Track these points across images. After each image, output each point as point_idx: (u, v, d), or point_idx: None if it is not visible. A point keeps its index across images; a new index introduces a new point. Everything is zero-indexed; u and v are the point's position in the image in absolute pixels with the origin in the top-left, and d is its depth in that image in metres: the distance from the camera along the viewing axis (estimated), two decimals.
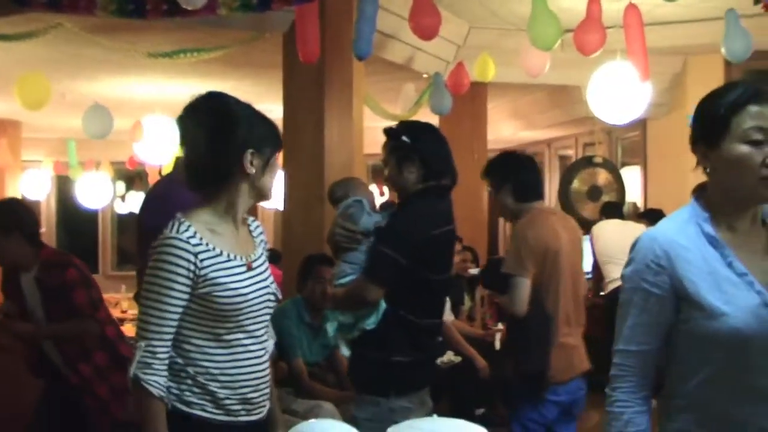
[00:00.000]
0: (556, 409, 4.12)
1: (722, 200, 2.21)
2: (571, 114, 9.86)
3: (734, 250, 2.17)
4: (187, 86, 7.53)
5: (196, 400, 2.53)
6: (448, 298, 5.04)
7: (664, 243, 2.18)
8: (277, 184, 3.12)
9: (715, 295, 2.12)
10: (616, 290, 7.74)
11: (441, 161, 3.60)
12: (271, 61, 6.56)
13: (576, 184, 9.94)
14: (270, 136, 2.64)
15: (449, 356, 6.38)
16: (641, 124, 9.74)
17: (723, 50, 5.79)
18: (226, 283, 2.52)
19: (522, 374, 4.06)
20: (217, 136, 2.56)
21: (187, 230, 2.51)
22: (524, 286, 3.96)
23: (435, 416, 2.73)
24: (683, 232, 2.20)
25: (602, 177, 9.95)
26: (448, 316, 6.09)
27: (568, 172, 10.24)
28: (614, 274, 7.89)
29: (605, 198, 9.71)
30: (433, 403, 3.83)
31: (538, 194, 4.25)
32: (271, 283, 2.67)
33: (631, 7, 5.54)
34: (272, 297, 2.67)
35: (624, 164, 10.82)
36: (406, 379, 3.48)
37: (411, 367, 3.47)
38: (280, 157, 2.75)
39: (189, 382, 2.52)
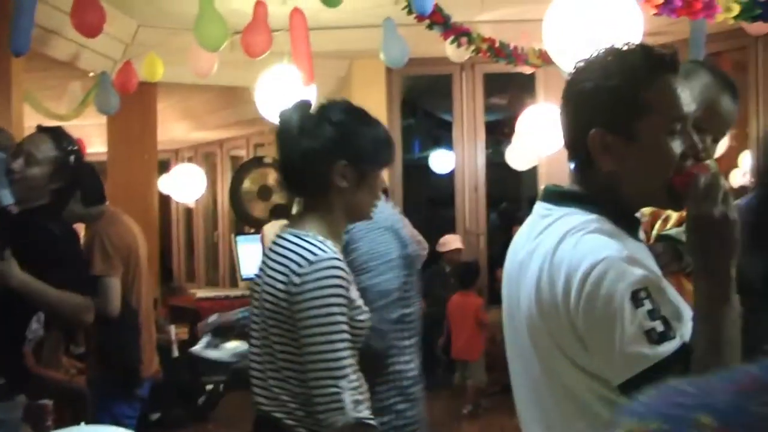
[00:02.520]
0: (141, 404, 4.26)
1: None
2: (242, 115, 9.94)
3: None
4: None
5: None
6: None
7: None
8: None
9: None
10: None
11: None
12: None
13: (247, 184, 10.06)
14: (374, 150, 2.39)
15: None
16: None
17: (382, 56, 6.09)
18: (360, 304, 2.31)
19: (116, 371, 4.12)
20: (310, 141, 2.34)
21: (331, 247, 2.27)
22: (116, 286, 4.05)
23: (82, 424, 2.66)
24: None
25: (272, 177, 10.13)
26: None
27: (239, 172, 10.34)
28: None
29: (276, 197, 9.90)
30: None
31: (104, 197, 4.31)
32: None
33: (297, 12, 5.68)
34: None
35: None
36: None
37: None
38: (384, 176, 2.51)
39: None
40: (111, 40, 7.27)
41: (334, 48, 8.11)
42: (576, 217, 1.68)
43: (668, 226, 2.18)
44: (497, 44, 6.33)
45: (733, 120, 2.25)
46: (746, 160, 8.04)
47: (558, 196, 1.77)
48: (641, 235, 1.84)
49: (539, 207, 1.79)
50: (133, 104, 7.81)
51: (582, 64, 1.74)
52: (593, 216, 1.68)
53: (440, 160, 11.59)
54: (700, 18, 5.00)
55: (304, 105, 2.44)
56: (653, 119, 1.66)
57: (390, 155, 2.45)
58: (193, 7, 5.51)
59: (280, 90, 6.14)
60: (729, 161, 8.44)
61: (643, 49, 1.70)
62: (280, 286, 2.26)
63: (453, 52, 6.65)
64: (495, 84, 9.25)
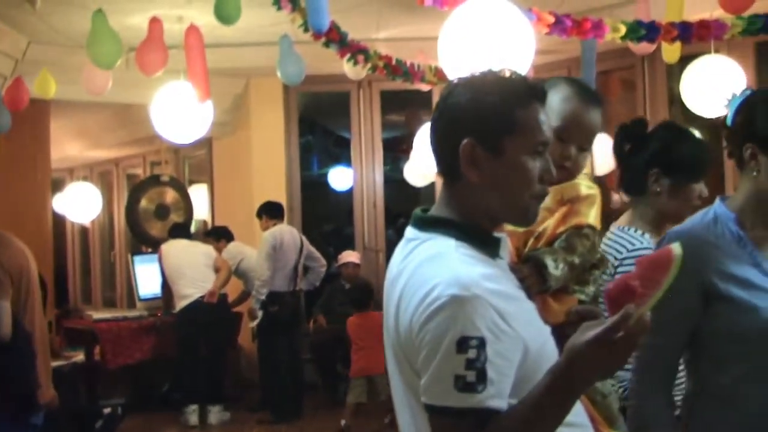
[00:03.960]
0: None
1: (756, 204, 2.22)
2: (138, 133, 9.81)
3: (761, 249, 2.19)
4: None
5: None
6: None
7: (693, 240, 2.16)
8: None
9: (745, 291, 2.13)
10: (187, 307, 7.89)
11: None
12: None
13: (144, 203, 9.91)
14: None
15: None
16: (207, 143, 9.93)
17: (279, 73, 6.09)
18: None
19: (11, 398, 4.02)
20: None
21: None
22: (7, 310, 3.96)
23: None
24: (711, 232, 2.22)
25: (170, 195, 10.02)
26: None
27: (136, 191, 10.18)
28: (184, 291, 7.98)
29: (173, 216, 9.78)
30: None
31: None
32: None
33: (192, 28, 5.64)
34: None
35: (192, 182, 10.98)
36: None
37: None
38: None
39: None
40: (0, 56, 7.11)
41: (231, 65, 8.08)
42: (437, 242, 1.77)
43: (540, 243, 2.23)
44: (394, 62, 6.38)
45: (596, 129, 2.31)
46: None
47: (422, 222, 1.84)
48: (505, 253, 1.90)
49: (408, 231, 1.87)
50: (25, 122, 7.62)
51: (457, 81, 1.84)
52: (453, 242, 1.76)
53: (339, 177, 11.64)
54: (590, 38, 5.16)
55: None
56: (519, 139, 1.76)
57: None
58: (86, 23, 5.43)
59: (176, 108, 6.09)
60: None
61: (519, 75, 1.82)
62: None
63: (350, 69, 6.68)
64: (392, 101, 9.34)
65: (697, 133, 3.05)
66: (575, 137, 2.20)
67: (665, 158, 2.86)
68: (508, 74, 1.82)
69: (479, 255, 1.77)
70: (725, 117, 2.31)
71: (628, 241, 2.82)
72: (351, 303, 7.89)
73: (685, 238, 2.09)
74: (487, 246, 1.81)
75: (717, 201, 2.30)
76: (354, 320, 7.57)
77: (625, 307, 1.54)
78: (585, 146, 2.27)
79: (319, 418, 8.06)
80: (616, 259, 2.79)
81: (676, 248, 1.67)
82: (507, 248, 1.93)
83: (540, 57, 6.32)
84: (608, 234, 2.90)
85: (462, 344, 1.60)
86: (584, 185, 2.30)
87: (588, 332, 1.56)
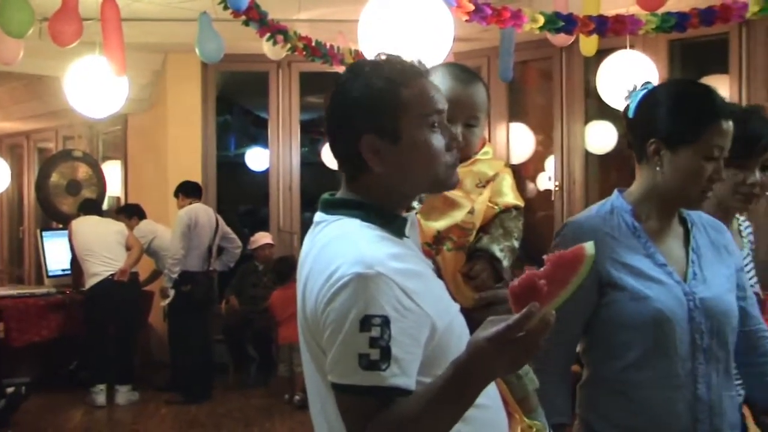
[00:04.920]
0: None
1: (653, 197, 2.28)
2: (51, 106, 9.61)
3: (655, 241, 2.26)
4: None
5: None
6: None
7: (589, 231, 2.21)
8: None
9: (637, 280, 2.19)
10: (97, 285, 7.77)
11: None
12: None
13: (55, 177, 9.70)
14: None
15: None
16: (122, 119, 9.78)
17: (197, 51, 6.02)
18: None
19: None
20: None
21: None
22: None
23: None
24: (608, 222, 2.27)
25: (82, 171, 9.82)
26: None
27: (47, 165, 9.96)
28: (94, 269, 7.85)
29: (85, 192, 9.60)
30: None
31: None
32: None
33: (109, 1, 5.53)
34: None
35: (106, 158, 10.79)
36: None
37: None
38: None
39: None
40: None
41: (149, 40, 7.96)
42: (342, 223, 1.80)
43: (475, 231, 2.24)
44: (313, 43, 6.36)
45: (478, 104, 2.29)
46: (550, 164, 8.42)
47: (329, 204, 1.86)
48: (414, 232, 1.91)
49: (317, 215, 1.89)
50: None
51: (343, 77, 1.85)
52: (358, 222, 1.78)
53: (256, 158, 11.55)
54: (509, 27, 5.21)
55: None
56: (412, 117, 1.77)
57: None
58: None
59: (91, 81, 5.98)
60: (535, 165, 8.83)
61: (396, 57, 1.84)
62: None
63: (269, 49, 6.64)
64: (311, 83, 9.29)
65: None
66: (458, 115, 2.19)
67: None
68: (385, 58, 1.84)
69: (385, 234, 1.78)
70: (626, 108, 2.34)
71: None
72: (275, 276, 7.92)
73: (583, 229, 2.23)
74: (393, 225, 1.82)
75: (615, 193, 2.36)
76: (277, 294, 7.64)
77: (529, 306, 1.52)
78: (471, 122, 2.27)
79: (229, 399, 8.02)
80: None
81: (588, 248, 1.64)
82: (415, 227, 1.94)
83: (459, 44, 6.37)
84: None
85: (365, 322, 1.61)
86: (495, 164, 2.34)
87: (490, 328, 1.55)
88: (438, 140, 1.79)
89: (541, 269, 1.62)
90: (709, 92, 2.24)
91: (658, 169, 2.24)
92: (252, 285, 8.58)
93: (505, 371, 1.63)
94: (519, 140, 8.67)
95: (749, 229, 2.89)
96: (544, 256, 1.64)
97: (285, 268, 7.74)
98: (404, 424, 1.60)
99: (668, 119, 2.21)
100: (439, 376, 1.61)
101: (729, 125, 2.19)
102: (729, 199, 2.62)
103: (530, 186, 9.04)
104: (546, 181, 8.64)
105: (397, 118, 1.76)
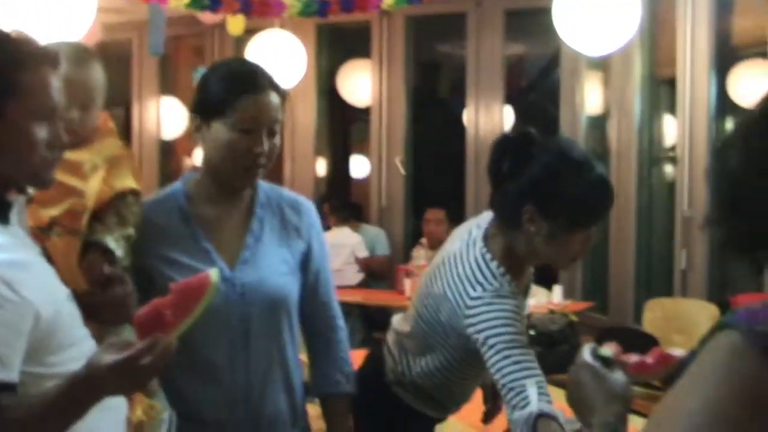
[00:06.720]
0: None
1: (209, 178, 2.22)
2: None
3: (211, 228, 2.21)
4: None
5: None
6: None
7: (145, 219, 2.17)
8: None
9: (171, 269, 2.14)
10: None
11: None
12: None
13: None
14: None
15: None
16: None
17: None
18: None
19: None
20: None
21: None
22: None
23: None
24: (162, 209, 2.22)
25: None
26: None
27: None
28: None
29: None
30: None
31: None
32: None
33: None
34: None
35: None
36: None
37: None
38: None
39: None
40: None
41: None
42: None
43: (87, 212, 2.21)
44: None
45: (90, 85, 2.20)
46: None
47: None
48: (22, 218, 1.86)
49: None
50: None
51: None
52: None
53: None
54: (155, 2, 5.20)
55: None
56: (23, 103, 1.65)
57: None
58: None
59: None
60: (188, 141, 8.81)
61: (21, 36, 1.71)
62: None
63: None
64: None
65: (598, 167, 2.17)
66: (72, 98, 2.08)
67: (542, 195, 2.12)
68: (14, 35, 1.69)
69: None
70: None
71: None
72: None
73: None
74: None
75: (181, 177, 2.37)
76: None
77: (152, 338, 1.54)
78: (87, 103, 2.19)
79: None
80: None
81: (213, 275, 1.65)
82: (23, 212, 1.87)
83: (107, 15, 6.25)
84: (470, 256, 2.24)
85: None
86: (114, 146, 2.27)
87: (110, 354, 1.54)
88: (42, 133, 1.67)
89: (167, 297, 1.63)
90: (246, 67, 2.26)
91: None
92: None
93: (122, 393, 1.66)
94: (171, 116, 8.64)
95: None
96: (171, 284, 1.66)
97: None
98: (10, 427, 1.57)
99: (203, 94, 2.21)
100: (56, 386, 1.59)
101: (265, 98, 2.15)
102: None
103: (186, 161, 9.04)
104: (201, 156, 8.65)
105: (4, 97, 1.62)
